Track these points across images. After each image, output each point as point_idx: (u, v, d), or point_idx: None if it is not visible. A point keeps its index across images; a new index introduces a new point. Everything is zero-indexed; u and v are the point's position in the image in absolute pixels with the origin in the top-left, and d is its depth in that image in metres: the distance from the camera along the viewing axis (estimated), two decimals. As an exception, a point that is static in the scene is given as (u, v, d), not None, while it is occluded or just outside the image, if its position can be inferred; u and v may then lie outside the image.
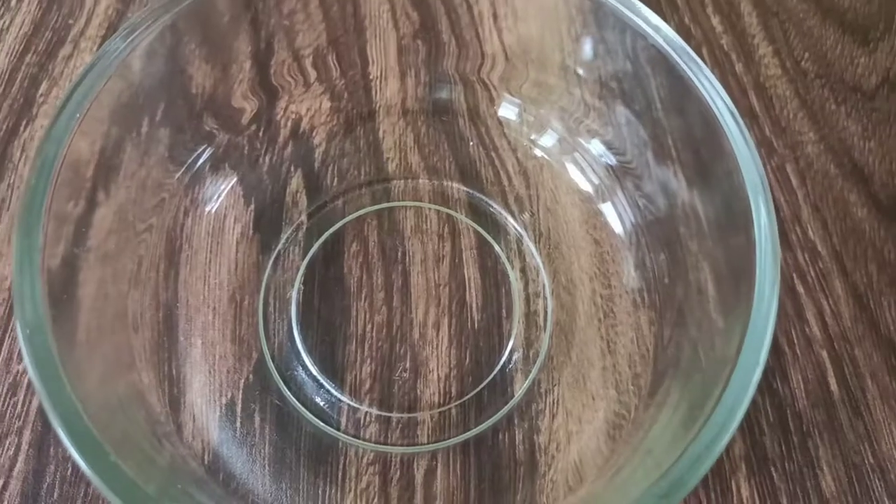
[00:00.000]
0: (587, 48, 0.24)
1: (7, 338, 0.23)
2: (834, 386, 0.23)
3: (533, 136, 0.25)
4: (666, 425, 0.18)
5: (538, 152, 0.25)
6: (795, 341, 0.24)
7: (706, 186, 0.21)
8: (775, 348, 0.24)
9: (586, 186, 0.24)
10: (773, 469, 0.22)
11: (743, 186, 0.17)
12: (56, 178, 0.18)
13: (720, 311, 0.19)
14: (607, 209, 0.23)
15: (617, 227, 0.23)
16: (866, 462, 0.22)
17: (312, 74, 0.26)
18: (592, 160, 0.23)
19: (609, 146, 0.23)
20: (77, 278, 0.19)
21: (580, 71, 0.24)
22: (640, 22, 0.19)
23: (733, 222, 0.18)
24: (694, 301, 0.21)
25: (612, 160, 0.23)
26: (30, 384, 0.22)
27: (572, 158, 0.24)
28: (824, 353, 0.24)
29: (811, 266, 0.25)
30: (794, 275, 0.25)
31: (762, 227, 0.17)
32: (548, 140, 0.25)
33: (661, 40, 0.18)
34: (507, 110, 0.26)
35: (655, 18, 0.19)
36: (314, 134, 0.26)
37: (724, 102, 0.17)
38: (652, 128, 0.23)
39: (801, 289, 0.25)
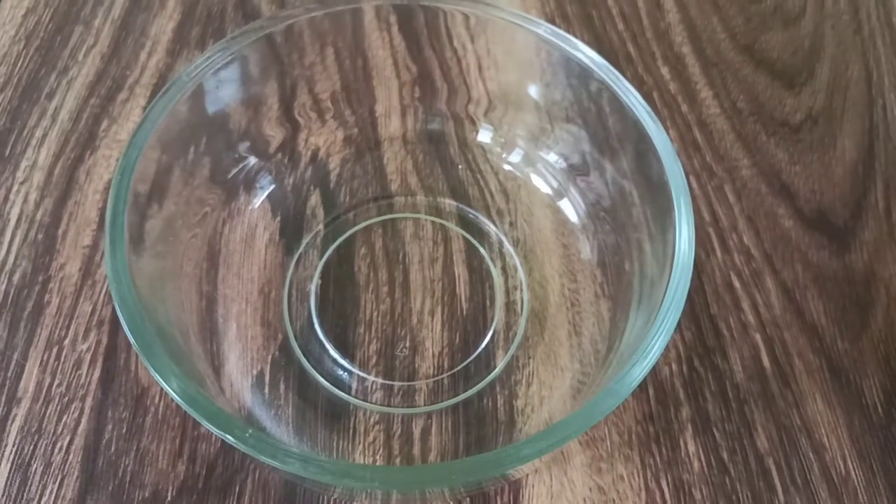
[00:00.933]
0: (554, 90, 0.29)
1: (73, 322, 0.27)
2: (766, 362, 0.28)
3: (504, 155, 0.30)
4: (612, 373, 0.22)
5: (507, 167, 0.30)
6: (733, 326, 0.28)
7: (646, 193, 0.25)
8: (716, 332, 0.28)
9: (547, 189, 0.29)
10: (715, 430, 0.26)
11: (666, 182, 0.22)
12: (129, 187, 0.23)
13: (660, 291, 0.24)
14: (565, 205, 0.28)
15: (573, 217, 0.28)
16: (794, 424, 0.26)
17: (329, 113, 0.30)
18: (551, 167, 0.29)
19: (566, 159, 0.28)
20: (132, 268, 0.24)
21: (550, 108, 0.29)
22: (587, 61, 0.25)
23: (662, 210, 0.23)
24: (637, 286, 0.25)
25: (564, 165, 0.28)
26: (91, 360, 0.27)
27: (535, 169, 0.30)
28: (758, 336, 0.28)
29: (746, 266, 0.30)
30: (732, 273, 0.29)
31: (682, 213, 0.21)
32: (515, 157, 0.30)
33: (602, 73, 0.24)
34: (484, 135, 0.31)
35: (598, 57, 0.24)
36: (330, 160, 0.31)
37: (644, 108, 0.22)
38: (608, 152, 0.28)
39: (737, 284, 0.29)
